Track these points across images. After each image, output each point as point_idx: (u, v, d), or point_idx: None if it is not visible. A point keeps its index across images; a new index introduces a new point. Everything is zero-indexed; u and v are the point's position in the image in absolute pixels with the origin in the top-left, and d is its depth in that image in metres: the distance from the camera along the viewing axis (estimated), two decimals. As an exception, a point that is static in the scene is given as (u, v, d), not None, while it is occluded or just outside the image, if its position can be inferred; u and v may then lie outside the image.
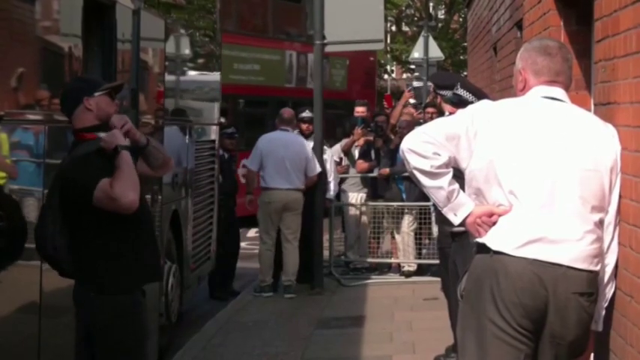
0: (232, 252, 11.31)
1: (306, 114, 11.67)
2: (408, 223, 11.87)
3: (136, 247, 4.82)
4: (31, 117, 5.38)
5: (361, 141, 12.34)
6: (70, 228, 4.73)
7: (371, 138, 12.30)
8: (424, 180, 4.08)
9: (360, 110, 13.08)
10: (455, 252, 6.78)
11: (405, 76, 44.41)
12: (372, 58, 24.15)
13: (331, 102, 20.02)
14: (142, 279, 4.93)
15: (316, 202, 11.13)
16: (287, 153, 10.76)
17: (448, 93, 6.81)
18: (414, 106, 14.18)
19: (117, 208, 4.65)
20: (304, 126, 11.58)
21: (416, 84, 25.17)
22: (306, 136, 11.53)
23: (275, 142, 10.92)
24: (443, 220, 6.65)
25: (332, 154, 11.90)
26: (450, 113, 6.46)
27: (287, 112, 11.31)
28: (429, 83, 14.42)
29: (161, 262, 5.14)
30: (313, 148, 11.25)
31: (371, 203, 12.27)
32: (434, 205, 5.23)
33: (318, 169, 10.94)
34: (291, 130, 11.12)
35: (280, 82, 20.07)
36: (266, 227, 10.93)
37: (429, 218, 11.71)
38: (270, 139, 11.03)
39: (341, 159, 12.32)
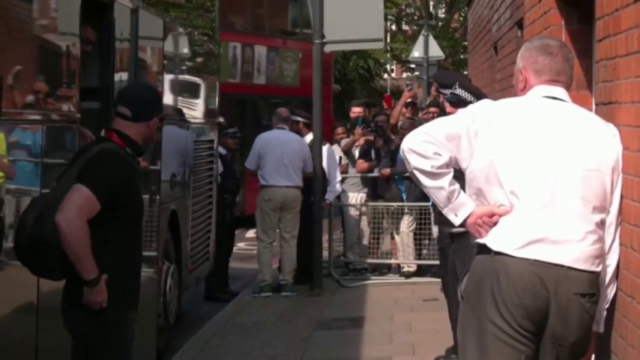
0: (228, 252, 11.29)
1: (297, 117, 11.76)
2: (407, 223, 11.84)
3: (132, 266, 4.81)
4: (29, 116, 5.35)
5: (361, 141, 12.32)
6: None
7: (371, 138, 12.28)
8: (425, 180, 4.06)
9: (357, 111, 13.02)
10: (454, 253, 6.76)
11: (405, 75, 44.45)
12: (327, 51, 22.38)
13: (281, 99, 19.04)
14: (130, 295, 4.84)
15: (315, 202, 11.11)
16: (285, 151, 10.81)
17: (448, 92, 6.80)
18: (420, 107, 14.12)
19: (61, 209, 4.56)
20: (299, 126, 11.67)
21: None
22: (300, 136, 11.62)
23: (273, 140, 10.97)
24: (442, 221, 6.64)
25: (333, 152, 11.87)
26: (449, 113, 6.43)
27: (283, 111, 11.43)
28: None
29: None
30: (311, 148, 11.26)
31: (371, 203, 12.24)
32: (433, 205, 5.22)
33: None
34: (288, 128, 11.14)
35: (223, 77, 19.27)
36: (264, 226, 10.94)
37: (429, 219, 11.69)
38: (268, 138, 11.10)
39: (340, 158, 12.31)
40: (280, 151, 10.81)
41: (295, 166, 10.84)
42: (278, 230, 11.06)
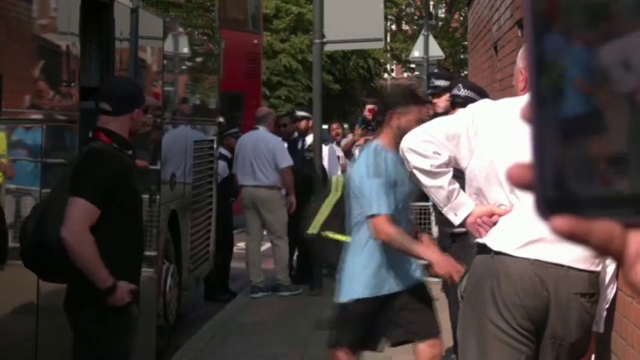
0: (228, 252, 11.29)
1: (301, 113, 11.79)
2: (407, 223, 11.82)
3: (132, 262, 4.80)
4: (29, 116, 5.35)
5: (361, 140, 12.30)
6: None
7: (371, 137, 12.25)
8: (424, 179, 4.05)
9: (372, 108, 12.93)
10: (456, 253, 6.75)
11: (405, 75, 44.49)
12: (255, 41, 19.13)
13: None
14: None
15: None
16: (252, 151, 10.86)
17: (444, 83, 6.84)
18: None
19: (65, 224, 4.55)
20: (302, 124, 11.68)
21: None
22: (304, 135, 11.62)
23: (244, 140, 11.12)
24: (443, 221, 6.64)
25: (335, 151, 11.86)
26: (445, 111, 6.49)
27: (261, 110, 11.57)
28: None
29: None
30: (310, 148, 11.26)
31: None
32: (434, 205, 5.22)
33: (287, 162, 10.86)
34: (266, 128, 11.08)
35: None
36: (246, 225, 11.03)
37: (429, 219, 11.67)
38: (242, 138, 11.26)
39: (339, 157, 12.30)
40: (248, 151, 10.87)
41: (262, 165, 10.82)
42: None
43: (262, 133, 11.05)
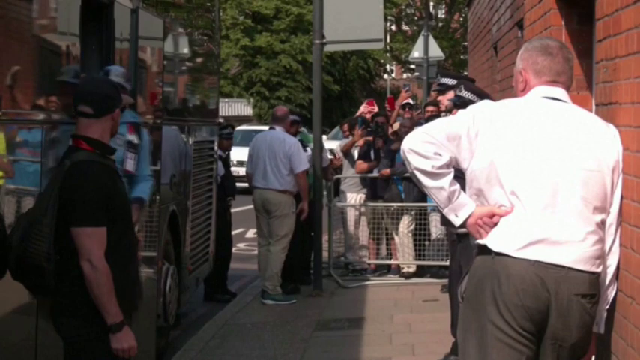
0: (227, 252, 11.26)
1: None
2: (406, 223, 11.84)
3: (127, 274, 4.70)
4: (29, 116, 5.34)
5: (361, 142, 12.32)
6: (61, 239, 4.51)
7: (370, 138, 12.27)
8: (425, 181, 4.05)
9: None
10: (460, 253, 6.75)
11: (405, 75, 44.53)
12: None
13: None
14: (124, 303, 4.65)
15: (315, 202, 11.08)
16: (266, 152, 10.57)
17: (451, 81, 6.86)
18: (415, 107, 14.13)
19: (80, 257, 4.48)
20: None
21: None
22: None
23: (259, 140, 10.86)
24: (447, 222, 6.64)
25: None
26: (448, 109, 6.51)
27: (279, 109, 11.26)
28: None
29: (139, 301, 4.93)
30: (311, 148, 11.24)
31: (370, 204, 12.24)
32: (437, 206, 5.22)
33: (303, 166, 10.58)
34: (282, 128, 10.78)
35: None
36: (258, 227, 10.88)
37: (428, 219, 11.70)
38: (257, 138, 11.02)
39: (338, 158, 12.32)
40: (262, 152, 10.58)
41: (275, 168, 10.48)
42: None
43: (279, 134, 10.70)
